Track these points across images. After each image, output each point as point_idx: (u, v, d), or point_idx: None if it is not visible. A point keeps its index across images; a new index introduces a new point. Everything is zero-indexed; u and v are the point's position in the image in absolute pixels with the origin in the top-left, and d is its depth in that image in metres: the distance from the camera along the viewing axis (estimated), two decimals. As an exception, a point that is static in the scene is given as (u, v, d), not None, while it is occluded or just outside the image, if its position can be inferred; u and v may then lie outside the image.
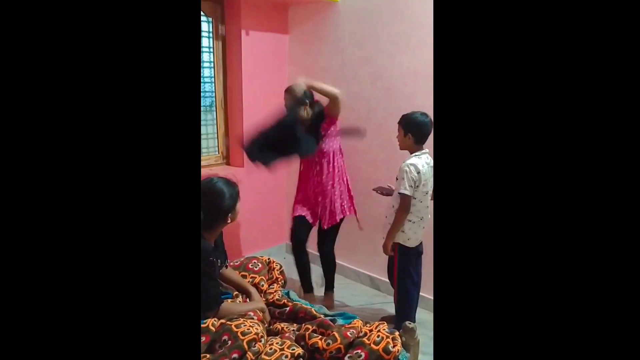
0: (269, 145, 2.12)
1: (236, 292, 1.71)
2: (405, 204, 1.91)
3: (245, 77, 2.66)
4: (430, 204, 1.99)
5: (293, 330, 1.55)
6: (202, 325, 1.34)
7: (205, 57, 2.63)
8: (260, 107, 2.66)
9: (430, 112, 1.91)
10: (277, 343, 1.36)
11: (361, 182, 2.67)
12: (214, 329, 1.35)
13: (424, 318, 2.25)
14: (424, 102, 2.17)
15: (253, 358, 1.28)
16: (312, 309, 1.66)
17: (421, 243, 2.06)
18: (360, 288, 2.74)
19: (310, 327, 1.47)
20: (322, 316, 1.60)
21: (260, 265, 1.88)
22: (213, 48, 2.66)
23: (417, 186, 1.90)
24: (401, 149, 2.00)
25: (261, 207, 2.95)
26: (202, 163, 2.69)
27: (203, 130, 2.73)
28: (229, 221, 1.54)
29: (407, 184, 1.88)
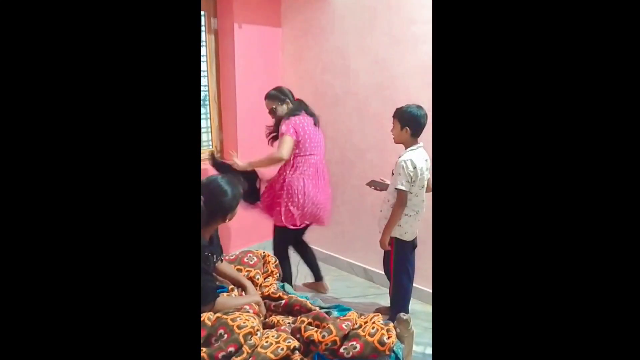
0: None
1: (232, 286, 1.72)
2: (402, 199, 1.91)
3: (239, 71, 2.65)
4: (425, 197, 2.00)
5: (288, 323, 1.56)
6: (198, 319, 1.35)
7: (198, 50, 2.62)
8: (254, 101, 2.65)
9: (424, 105, 1.91)
10: (272, 336, 1.38)
11: (353, 175, 2.69)
12: (210, 322, 1.36)
13: (417, 309, 2.28)
14: (417, 95, 2.17)
15: (249, 351, 1.29)
16: (307, 302, 1.67)
17: (416, 237, 2.07)
18: (354, 280, 2.76)
19: (305, 319, 1.48)
20: (317, 309, 1.62)
21: (255, 259, 1.89)
22: (206, 42, 2.64)
23: (414, 181, 1.89)
24: (396, 142, 1.99)
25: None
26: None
27: (197, 124, 2.72)
28: (227, 220, 1.55)
29: (404, 180, 1.87)
